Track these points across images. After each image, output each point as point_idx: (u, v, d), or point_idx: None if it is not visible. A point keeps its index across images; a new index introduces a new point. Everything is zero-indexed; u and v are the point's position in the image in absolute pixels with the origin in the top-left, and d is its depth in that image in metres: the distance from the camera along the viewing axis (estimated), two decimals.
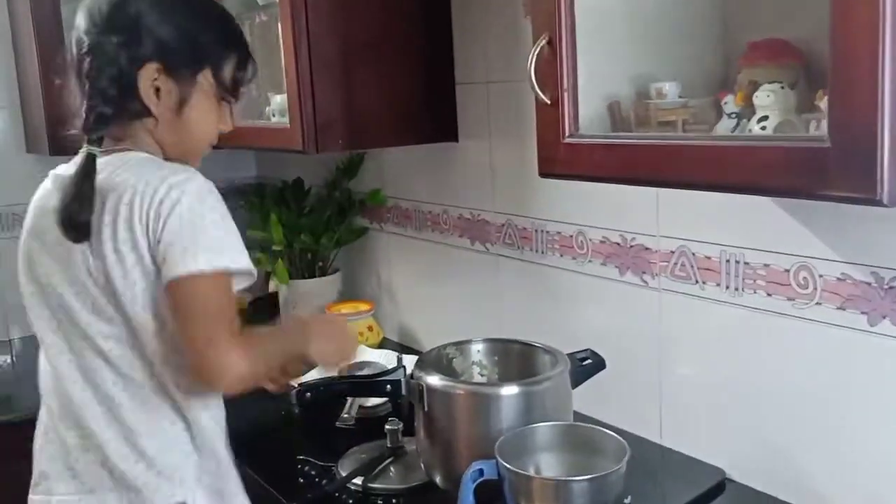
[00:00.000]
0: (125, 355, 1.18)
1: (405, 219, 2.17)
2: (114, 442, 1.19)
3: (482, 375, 1.49)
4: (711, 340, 1.44)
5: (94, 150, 1.16)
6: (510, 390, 1.27)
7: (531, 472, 1.15)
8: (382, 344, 2.17)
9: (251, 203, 2.41)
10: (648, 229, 1.51)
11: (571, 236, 1.67)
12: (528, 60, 1.11)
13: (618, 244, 1.57)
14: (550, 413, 1.26)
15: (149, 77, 1.19)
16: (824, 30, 0.81)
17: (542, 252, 1.75)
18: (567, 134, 1.11)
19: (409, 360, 1.89)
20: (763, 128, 1.00)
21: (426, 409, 1.31)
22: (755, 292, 1.35)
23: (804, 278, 1.27)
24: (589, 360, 1.38)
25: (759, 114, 1.02)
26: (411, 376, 1.38)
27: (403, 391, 1.38)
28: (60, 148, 2.23)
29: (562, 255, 1.70)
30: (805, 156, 0.84)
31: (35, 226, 1.25)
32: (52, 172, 1.28)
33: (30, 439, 1.30)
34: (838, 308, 1.24)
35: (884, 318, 1.18)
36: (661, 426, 1.55)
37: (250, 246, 1.29)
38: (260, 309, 2.30)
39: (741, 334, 1.38)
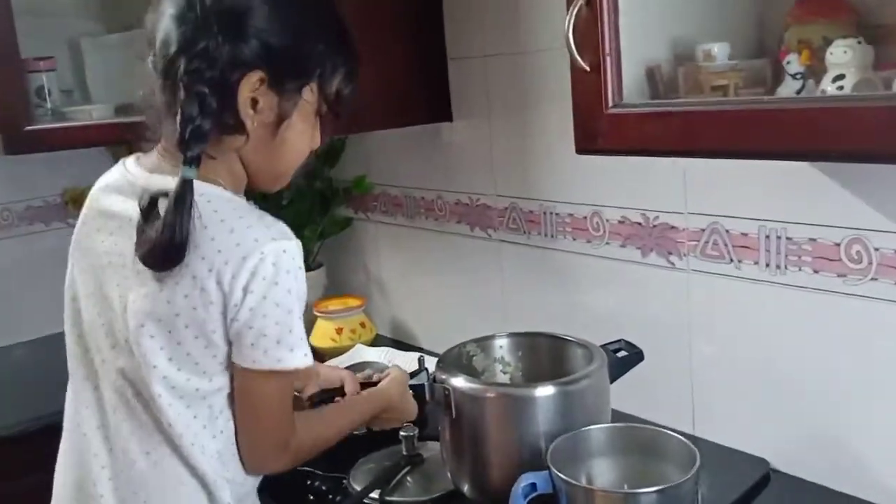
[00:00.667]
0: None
1: (395, 206, 2.04)
2: None
3: (505, 373, 1.38)
4: (748, 323, 1.34)
5: (191, 173, 0.97)
6: (545, 391, 1.15)
7: (589, 482, 1.04)
8: (376, 341, 2.04)
9: None
10: (675, 206, 1.40)
11: (585, 217, 1.56)
12: (566, 22, 0.99)
13: (639, 224, 1.46)
14: (591, 414, 1.15)
15: (251, 87, 0.99)
16: None
17: (552, 236, 1.63)
18: (611, 103, 0.99)
19: (408, 358, 1.78)
20: (840, 87, 0.90)
21: (454, 415, 1.19)
22: (800, 269, 1.25)
23: (857, 252, 1.18)
24: (624, 352, 1.28)
25: (833, 72, 0.91)
26: (434, 379, 1.26)
27: (427, 397, 1.26)
28: (16, 147, 2.07)
29: (574, 239, 1.59)
30: None
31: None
32: (105, 184, 1.12)
33: None
34: None
35: None
36: (694, 416, 1.46)
37: None
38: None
39: (784, 315, 1.28)
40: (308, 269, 2.13)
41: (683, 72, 1.03)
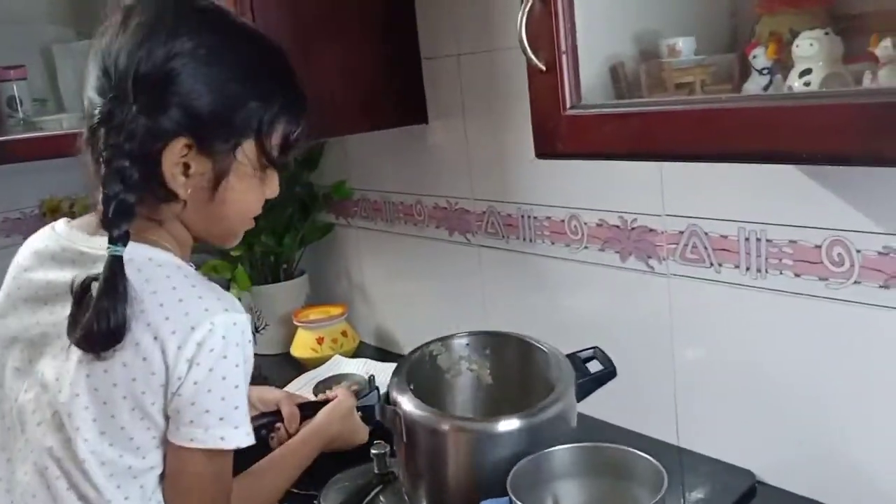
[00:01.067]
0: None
1: (374, 212, 1.99)
2: None
3: (471, 371, 1.31)
4: (731, 329, 1.28)
5: (119, 250, 0.91)
6: (509, 425, 1.07)
7: None
8: (359, 350, 1.98)
9: None
10: (652, 208, 1.34)
11: (563, 221, 1.50)
12: (518, 18, 0.94)
13: (617, 227, 1.40)
14: (556, 440, 1.07)
15: (176, 155, 0.94)
16: None
17: (531, 240, 1.58)
18: (569, 105, 0.94)
19: (388, 368, 1.72)
20: (807, 83, 0.84)
21: (405, 440, 1.13)
22: (781, 273, 1.19)
23: (839, 254, 1.12)
24: (595, 361, 1.22)
25: (800, 66, 0.85)
26: (387, 398, 1.19)
27: (377, 417, 1.21)
28: None
29: (553, 243, 1.53)
30: (885, 112, 0.67)
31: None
32: (30, 251, 1.05)
33: None
34: (881, 286, 1.08)
35: None
36: (678, 427, 1.40)
37: (204, 250, 1.14)
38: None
39: (766, 320, 1.22)
40: (289, 277, 2.13)
41: (646, 69, 0.97)
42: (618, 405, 1.42)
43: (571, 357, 1.21)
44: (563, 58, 0.93)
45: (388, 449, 1.35)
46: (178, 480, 0.96)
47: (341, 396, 1.34)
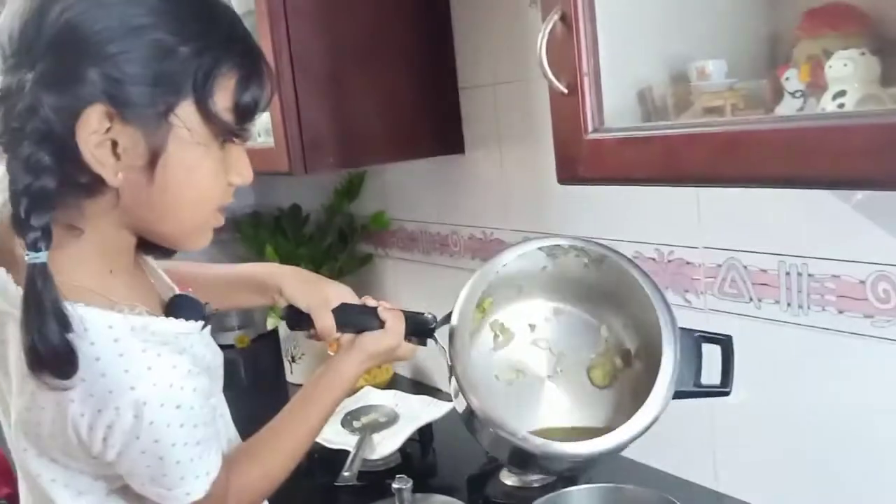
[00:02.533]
0: None
1: (411, 242, 1.97)
2: None
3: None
4: (772, 367, 1.22)
5: (39, 256, 0.75)
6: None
7: None
8: (393, 382, 1.96)
9: (244, 234, 2.22)
10: (690, 240, 1.29)
11: None
12: (538, 41, 0.91)
13: (653, 259, 1.35)
14: None
15: (93, 128, 0.75)
16: None
17: None
18: (590, 128, 0.90)
19: (418, 400, 1.69)
20: (841, 105, 0.79)
21: None
22: (824, 309, 1.13)
23: (884, 290, 1.05)
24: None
25: (834, 88, 0.80)
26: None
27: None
28: None
29: None
30: None
31: None
32: None
33: None
34: None
35: None
36: (716, 469, 1.33)
37: None
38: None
39: (808, 359, 1.16)
40: None
41: (673, 92, 0.93)
42: (654, 445, 1.35)
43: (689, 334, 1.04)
44: (585, 80, 0.90)
45: (410, 484, 1.32)
46: None
47: (391, 328, 1.08)
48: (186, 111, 0.79)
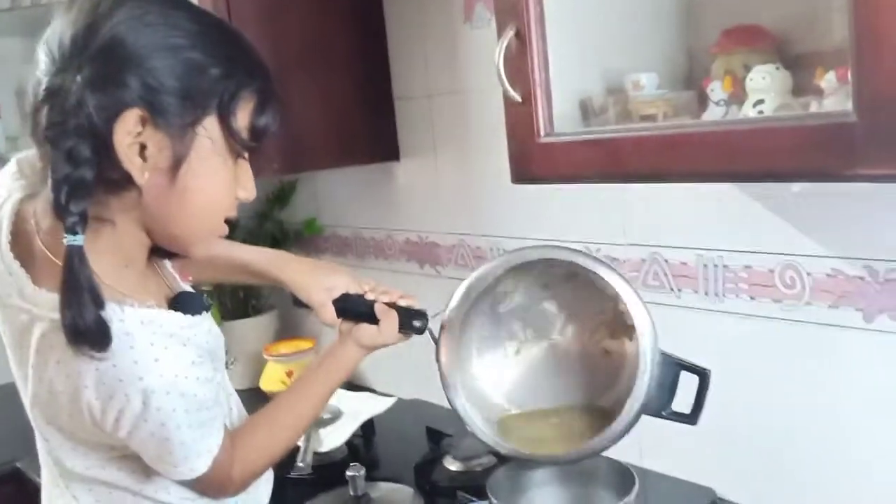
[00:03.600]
0: None
1: (345, 247, 2.04)
2: None
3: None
4: (692, 352, 1.34)
5: (77, 239, 0.81)
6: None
7: None
8: None
9: None
10: (614, 238, 1.42)
11: None
12: (496, 54, 1.01)
13: None
14: None
15: (129, 130, 0.82)
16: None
17: None
18: (542, 133, 1.01)
19: (357, 397, 1.76)
20: (760, 112, 0.92)
21: None
22: (738, 296, 1.27)
23: (791, 278, 1.20)
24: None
25: (753, 98, 0.94)
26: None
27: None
28: None
29: None
30: (827, 134, 0.75)
31: None
32: None
33: None
34: (831, 306, 1.17)
35: (881, 313, 1.12)
36: (641, 446, 1.45)
37: None
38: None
39: (724, 342, 1.30)
40: (259, 312, 2.16)
41: (613, 101, 1.05)
42: None
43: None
44: (538, 90, 1.00)
45: (363, 472, 1.39)
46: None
47: (385, 327, 1.13)
48: (211, 125, 0.87)
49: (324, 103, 1.69)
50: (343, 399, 1.75)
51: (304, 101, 1.66)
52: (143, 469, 0.95)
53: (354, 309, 1.13)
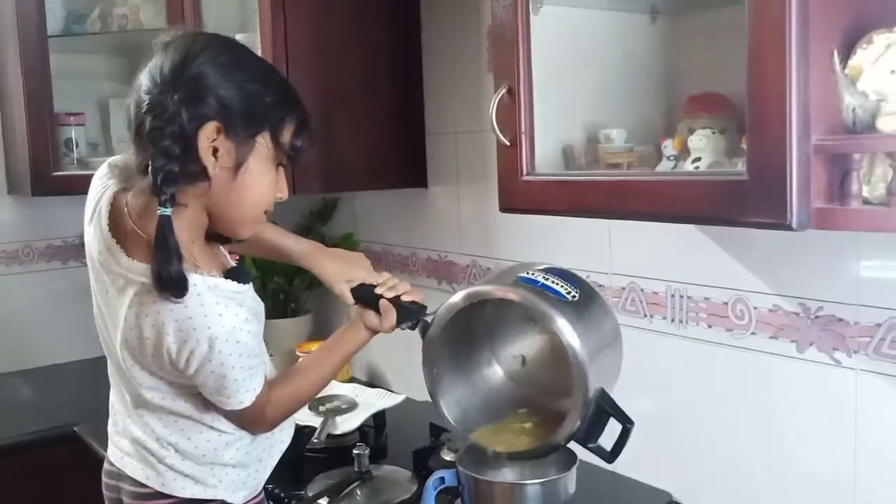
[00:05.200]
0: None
1: (376, 261, 2.25)
2: None
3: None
4: (659, 371, 1.55)
5: (166, 210, 1.11)
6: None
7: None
8: (351, 381, 2.24)
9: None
10: (601, 267, 1.63)
11: None
12: (490, 106, 1.24)
13: None
14: None
15: (208, 136, 1.12)
16: None
17: None
18: (525, 172, 1.23)
19: (376, 393, 1.99)
20: (696, 167, 1.13)
21: None
22: (698, 324, 1.47)
23: (741, 310, 1.40)
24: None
25: (693, 155, 1.15)
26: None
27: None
28: (43, 189, 2.34)
29: None
30: (727, 188, 0.96)
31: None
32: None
33: None
34: (771, 337, 1.36)
35: (811, 345, 1.30)
36: None
37: None
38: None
39: (685, 364, 1.49)
40: (296, 314, 2.41)
41: (585, 151, 1.27)
42: None
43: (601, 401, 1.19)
44: (523, 137, 1.23)
45: (367, 451, 1.61)
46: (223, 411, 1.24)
47: (384, 318, 1.36)
48: (265, 138, 1.18)
49: (364, 133, 1.94)
50: (360, 393, 1.98)
51: (347, 131, 1.91)
52: (203, 402, 1.23)
53: (365, 299, 1.38)
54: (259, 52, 1.84)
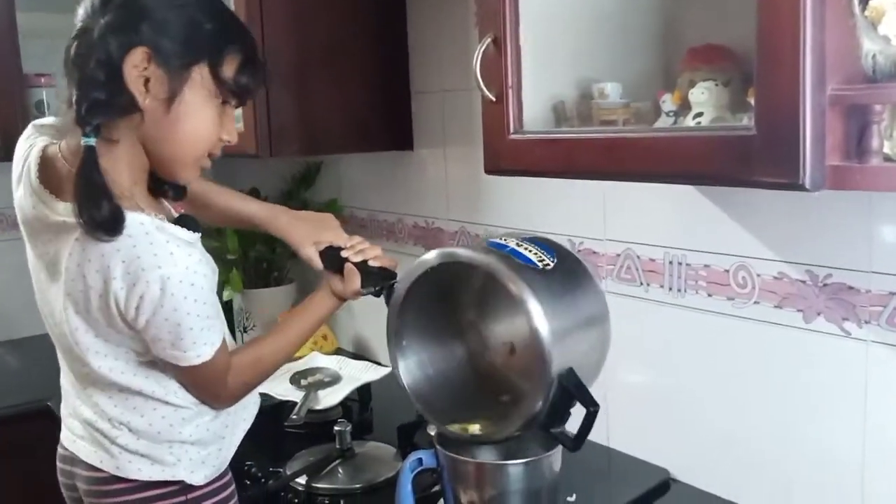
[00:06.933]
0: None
1: (361, 228, 2.18)
2: None
3: None
4: (656, 342, 1.46)
5: (91, 140, 1.04)
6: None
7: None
8: (336, 353, 2.16)
9: None
10: (595, 233, 1.54)
11: None
12: (474, 58, 1.14)
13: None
14: None
15: (136, 63, 1.04)
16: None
17: None
18: (512, 130, 1.14)
19: (361, 365, 1.91)
20: (698, 123, 1.03)
21: None
22: (697, 293, 1.38)
23: (743, 278, 1.31)
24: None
25: (695, 110, 1.05)
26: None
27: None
28: (12, 154, 2.23)
29: None
30: (732, 144, 0.87)
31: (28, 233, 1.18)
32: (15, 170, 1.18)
33: None
34: (775, 306, 1.27)
35: (818, 314, 1.22)
36: (609, 429, 1.57)
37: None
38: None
39: (683, 335, 1.41)
40: (279, 283, 2.32)
41: (577, 107, 1.17)
42: None
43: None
44: (510, 92, 1.13)
45: (349, 427, 1.54)
46: (177, 380, 1.16)
47: (347, 282, 1.30)
48: (202, 69, 1.09)
49: (346, 93, 1.84)
50: (344, 366, 1.90)
51: (328, 91, 1.81)
52: (156, 376, 1.14)
53: (331, 263, 1.31)
54: (231, 6, 1.74)
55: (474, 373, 1.32)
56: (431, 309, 1.29)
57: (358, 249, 1.31)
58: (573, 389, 1.08)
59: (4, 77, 2.16)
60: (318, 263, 1.33)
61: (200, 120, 1.11)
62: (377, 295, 1.29)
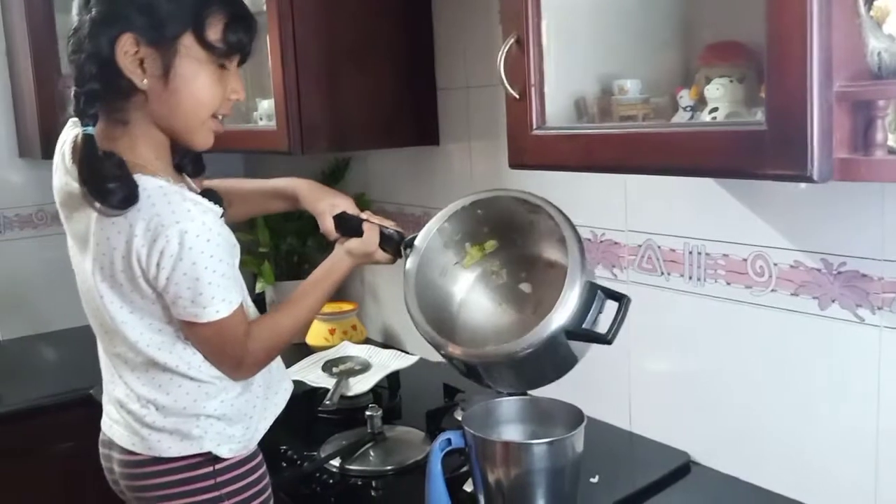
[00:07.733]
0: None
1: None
2: None
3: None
4: (676, 329, 1.51)
5: (89, 129, 1.12)
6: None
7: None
8: (365, 343, 2.23)
9: None
10: (617, 224, 1.59)
11: None
12: (498, 57, 1.19)
13: (588, 239, 1.64)
14: None
15: (127, 49, 1.11)
16: None
17: None
18: (535, 126, 1.19)
19: (390, 354, 1.97)
20: (714, 118, 1.08)
21: None
22: (716, 281, 1.42)
23: (760, 266, 1.35)
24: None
25: (710, 105, 1.10)
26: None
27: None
28: (52, 152, 2.31)
29: None
30: (745, 139, 0.91)
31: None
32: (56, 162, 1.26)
33: None
34: (792, 294, 1.31)
35: (833, 301, 1.26)
36: (631, 414, 1.62)
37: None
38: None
39: (703, 323, 1.45)
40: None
41: (598, 103, 1.22)
42: (582, 394, 1.63)
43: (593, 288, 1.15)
44: (532, 89, 1.18)
45: (380, 412, 1.60)
46: (198, 347, 1.21)
47: (367, 238, 1.36)
48: (189, 39, 1.15)
49: (373, 90, 1.90)
50: (374, 354, 1.97)
51: (355, 89, 1.87)
52: (181, 353, 1.21)
53: (348, 224, 1.37)
54: (263, 5, 1.80)
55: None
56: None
57: (375, 217, 1.39)
58: (601, 289, 1.16)
59: (46, 78, 2.24)
60: (329, 223, 1.38)
61: (198, 86, 1.17)
62: (396, 248, 1.34)
